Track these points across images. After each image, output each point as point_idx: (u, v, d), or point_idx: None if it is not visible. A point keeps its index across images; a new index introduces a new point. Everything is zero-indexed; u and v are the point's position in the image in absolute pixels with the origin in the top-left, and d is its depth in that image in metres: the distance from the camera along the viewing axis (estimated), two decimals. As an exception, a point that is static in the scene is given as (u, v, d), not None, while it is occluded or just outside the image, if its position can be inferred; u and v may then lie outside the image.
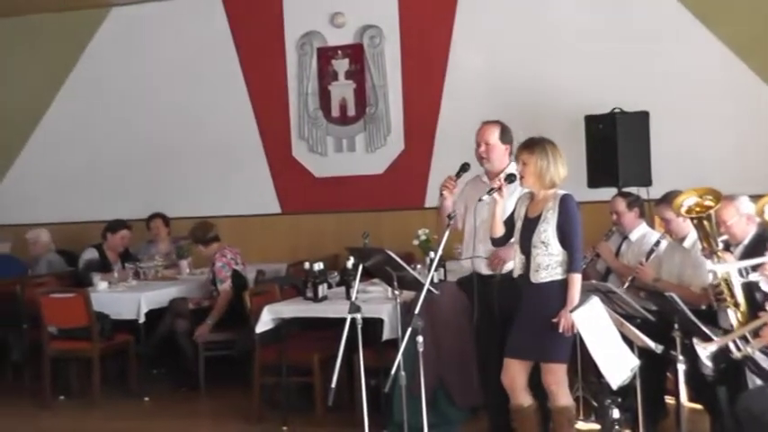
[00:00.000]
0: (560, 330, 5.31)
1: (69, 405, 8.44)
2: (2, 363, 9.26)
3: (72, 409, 8.30)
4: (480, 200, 5.70)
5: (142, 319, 8.38)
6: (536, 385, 5.54)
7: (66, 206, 10.98)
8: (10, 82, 11.23)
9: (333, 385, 5.60)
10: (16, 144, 11.26)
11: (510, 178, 5.65)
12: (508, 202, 5.69)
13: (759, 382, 5.38)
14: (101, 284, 8.70)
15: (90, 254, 9.40)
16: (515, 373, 5.53)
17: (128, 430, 7.64)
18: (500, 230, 5.66)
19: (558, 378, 5.47)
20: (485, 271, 5.97)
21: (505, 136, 6.02)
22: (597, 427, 6.60)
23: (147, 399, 8.40)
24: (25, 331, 8.84)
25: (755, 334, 5.27)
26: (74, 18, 10.95)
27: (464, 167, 6.00)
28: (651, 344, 5.46)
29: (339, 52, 10.15)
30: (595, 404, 6.79)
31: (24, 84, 11.17)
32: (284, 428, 7.22)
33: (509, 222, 5.66)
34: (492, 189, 5.64)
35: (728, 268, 5.60)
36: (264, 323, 7.25)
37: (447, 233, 5.60)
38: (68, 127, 11.06)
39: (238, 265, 8.68)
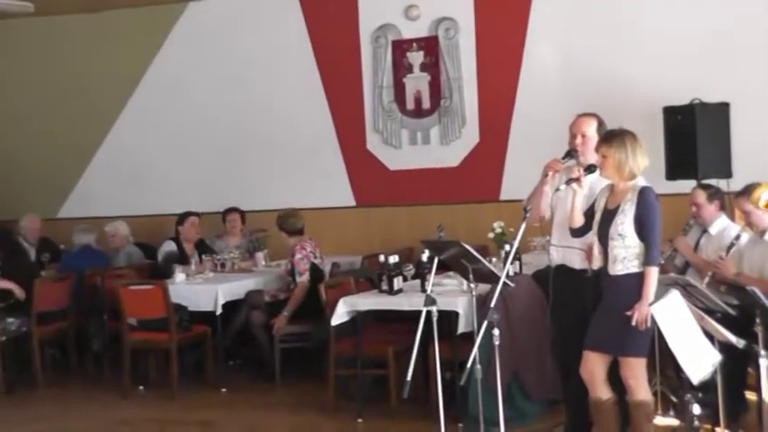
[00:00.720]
0: (634, 323, 5.25)
1: (148, 395, 8.56)
2: (83, 353, 9.42)
3: (150, 400, 8.43)
4: (557, 189, 5.65)
5: (219, 311, 8.46)
6: (615, 379, 5.47)
7: (143, 199, 11.14)
8: (89, 78, 11.41)
9: (408, 378, 5.60)
10: (96, 138, 11.44)
11: (590, 169, 5.59)
12: (596, 188, 5.63)
13: None
14: (179, 276, 8.81)
15: (168, 246, 9.52)
16: (594, 366, 5.48)
17: (205, 421, 7.71)
18: (579, 221, 5.60)
19: (635, 372, 5.40)
20: (578, 265, 5.84)
21: (602, 129, 5.91)
22: (676, 422, 6.50)
23: (224, 390, 8.47)
24: (105, 322, 8.99)
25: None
26: (151, 13, 11.10)
27: (570, 153, 5.90)
28: (733, 338, 5.37)
29: (414, 45, 10.13)
30: (674, 399, 6.69)
31: (103, 79, 11.34)
32: (359, 420, 7.25)
33: (589, 213, 5.59)
34: (570, 179, 5.59)
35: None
36: (340, 315, 7.28)
37: (524, 225, 5.54)
38: (146, 122, 11.22)
39: (317, 258, 8.72)
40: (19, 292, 8.95)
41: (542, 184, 5.84)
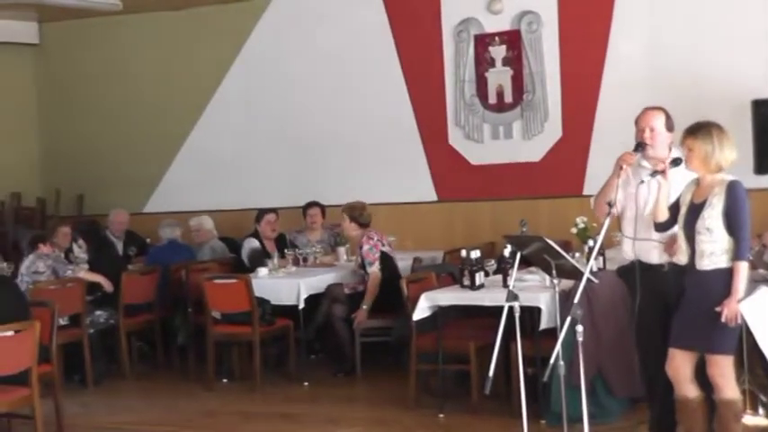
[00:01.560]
0: (723, 320, 5.14)
1: (231, 388, 8.65)
2: (169, 345, 9.56)
3: (234, 392, 8.50)
4: (642, 181, 5.56)
5: (302, 305, 8.51)
6: (702, 377, 5.37)
7: (227, 194, 11.26)
8: (176, 73, 11.58)
9: (490, 374, 5.56)
10: (181, 133, 11.60)
11: (675, 162, 5.49)
12: (675, 185, 5.53)
13: None
14: (261, 270, 8.88)
15: (252, 243, 9.58)
16: (680, 364, 5.38)
17: (287, 413, 7.75)
18: (664, 215, 5.51)
19: (723, 370, 5.29)
20: (655, 260, 5.74)
21: (669, 123, 5.83)
22: (765, 422, 6.36)
23: (305, 383, 8.52)
24: (190, 315, 9.10)
25: None
26: (236, 9, 11.22)
27: (640, 146, 5.80)
28: (824, 336, 5.24)
29: (496, 39, 10.07)
30: (764, 398, 6.55)
31: (189, 75, 11.51)
32: (441, 416, 7.23)
33: (674, 208, 5.50)
34: (656, 171, 5.50)
35: None
36: (421, 310, 7.26)
37: (608, 220, 5.47)
38: (229, 116, 11.34)
39: (385, 246, 8.73)
40: (107, 285, 9.13)
41: (615, 177, 5.75)
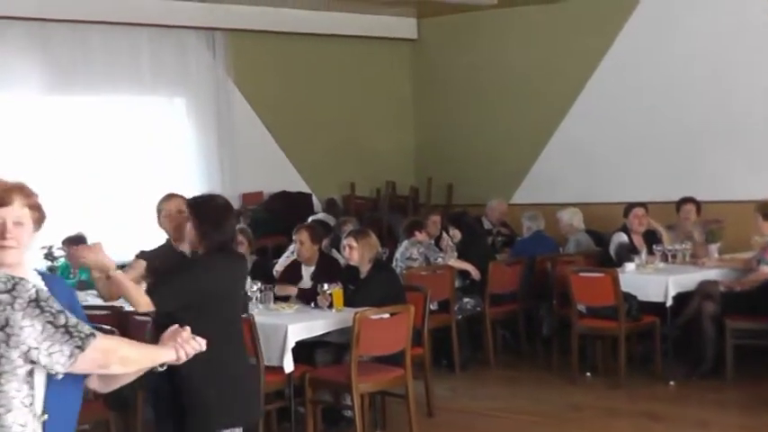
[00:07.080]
0: None
1: (595, 382, 8.58)
2: (532, 336, 9.64)
3: (597, 387, 8.43)
4: None
5: (669, 302, 8.29)
6: None
7: (594, 187, 11.18)
8: (547, 66, 11.63)
9: None
10: (551, 126, 11.66)
11: None
12: None
13: None
14: (629, 266, 8.74)
15: (620, 237, 9.41)
16: None
17: (652, 412, 7.59)
18: None
19: None
20: None
21: None
22: None
23: (671, 383, 8.30)
24: (554, 307, 9.13)
25: None
26: (609, 1, 11.09)
27: None
28: None
29: None
30: None
31: (560, 67, 11.53)
32: (821, 429, 6.81)
33: None
34: None
35: None
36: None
37: None
38: (600, 109, 11.24)
39: (796, 255, 8.34)
40: (475, 273, 9.36)
41: None
